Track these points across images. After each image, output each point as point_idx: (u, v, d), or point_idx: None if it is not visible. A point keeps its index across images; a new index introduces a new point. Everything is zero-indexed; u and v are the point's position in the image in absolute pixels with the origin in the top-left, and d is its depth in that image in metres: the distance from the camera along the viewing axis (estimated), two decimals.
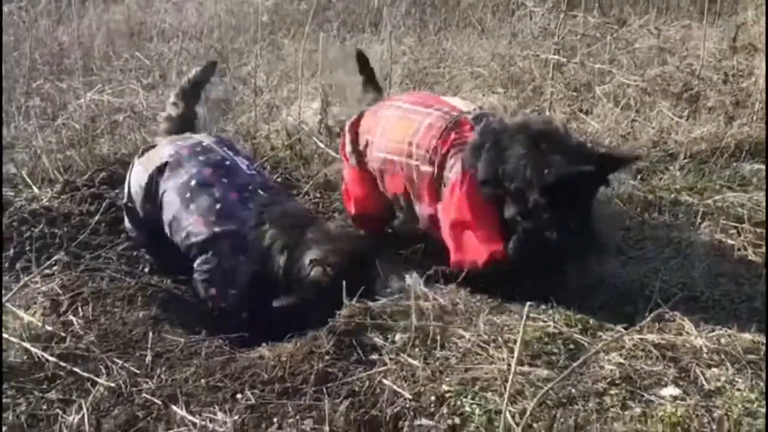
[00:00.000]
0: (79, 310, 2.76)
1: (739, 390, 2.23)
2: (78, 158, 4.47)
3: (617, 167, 2.77)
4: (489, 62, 5.57)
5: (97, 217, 3.58)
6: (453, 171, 2.93)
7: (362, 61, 3.83)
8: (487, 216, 2.83)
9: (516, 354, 1.58)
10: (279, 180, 4.16)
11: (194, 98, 3.68)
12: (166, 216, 3.06)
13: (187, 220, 2.97)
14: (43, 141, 4.69)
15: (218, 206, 2.95)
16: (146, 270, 3.32)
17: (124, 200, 3.35)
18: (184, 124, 3.52)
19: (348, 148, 3.45)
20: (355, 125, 3.45)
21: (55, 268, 3.11)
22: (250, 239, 2.87)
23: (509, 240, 2.78)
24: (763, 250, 3.18)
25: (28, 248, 3.35)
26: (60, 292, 2.88)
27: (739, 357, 2.37)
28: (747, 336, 2.50)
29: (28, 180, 4.29)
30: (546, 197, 2.64)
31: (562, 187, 2.60)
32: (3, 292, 2.88)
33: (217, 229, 2.91)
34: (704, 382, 2.27)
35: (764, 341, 2.47)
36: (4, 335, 2.53)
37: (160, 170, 3.11)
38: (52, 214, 3.67)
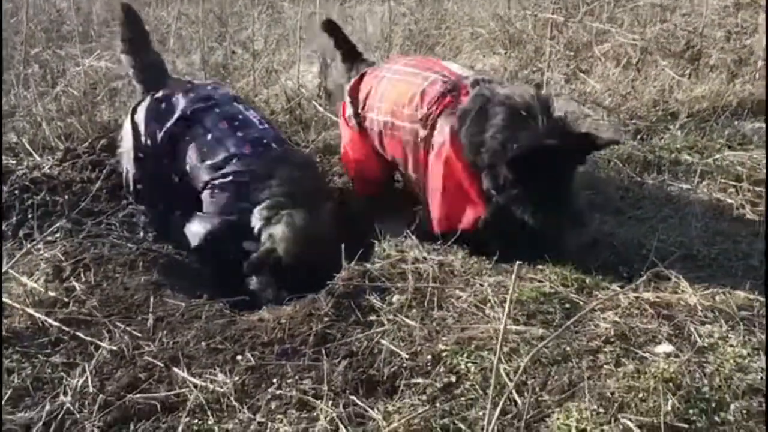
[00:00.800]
0: (82, 275, 2.79)
1: (732, 346, 2.26)
2: (78, 126, 4.47)
3: (595, 148, 2.75)
4: (489, 23, 5.51)
5: (98, 184, 3.61)
6: (440, 134, 2.95)
7: (334, 32, 3.78)
8: (468, 182, 2.85)
9: (506, 312, 1.59)
10: None
11: (143, 43, 3.61)
12: (188, 167, 3.15)
13: (203, 172, 3.08)
14: (44, 109, 4.68)
15: (234, 160, 3.03)
16: (143, 232, 3.34)
17: (134, 153, 3.35)
18: (154, 70, 3.53)
19: (348, 110, 3.46)
20: (355, 88, 3.45)
21: (57, 235, 3.13)
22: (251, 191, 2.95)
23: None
24: (762, 208, 3.18)
25: (30, 216, 3.37)
26: (62, 258, 2.91)
27: (733, 314, 2.40)
28: (741, 293, 2.52)
29: (29, 148, 4.31)
30: (513, 171, 2.64)
31: (528, 161, 2.59)
32: (6, 259, 2.92)
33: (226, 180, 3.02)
34: (698, 339, 2.30)
35: (759, 298, 2.49)
36: (8, 301, 2.57)
37: (177, 123, 3.19)
38: (53, 181, 3.68)
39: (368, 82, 3.38)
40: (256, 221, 2.89)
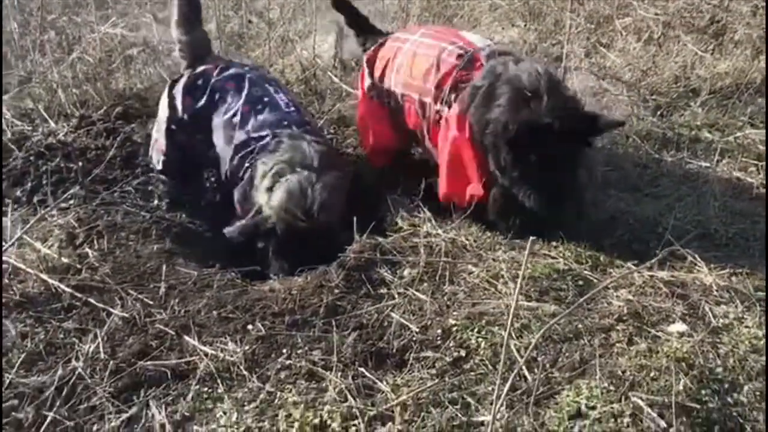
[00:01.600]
0: (95, 242, 2.80)
1: (747, 327, 2.23)
2: (94, 93, 4.47)
3: (600, 130, 2.69)
4: None
5: (112, 152, 3.61)
6: (451, 109, 2.91)
7: (345, 8, 3.69)
8: (471, 160, 2.82)
9: (518, 287, 1.57)
10: None
11: (197, 19, 3.60)
12: (216, 146, 3.16)
13: (228, 152, 3.09)
14: (59, 75, 4.68)
15: (252, 142, 3.03)
16: (158, 200, 3.35)
17: (166, 125, 3.35)
18: (201, 49, 3.51)
19: (366, 81, 3.42)
20: (373, 58, 3.41)
21: (71, 201, 3.14)
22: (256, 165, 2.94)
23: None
24: None
25: (44, 182, 3.39)
26: (76, 225, 2.92)
27: (749, 295, 2.37)
28: (759, 274, 2.48)
29: (44, 114, 4.31)
30: (512, 150, 2.59)
31: (526, 140, 2.53)
32: (20, 225, 2.94)
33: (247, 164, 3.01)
34: (712, 319, 2.27)
35: None
36: (22, 266, 2.59)
37: (208, 100, 3.20)
38: (68, 148, 3.68)
39: (386, 53, 3.34)
40: (260, 195, 2.85)
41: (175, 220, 3.10)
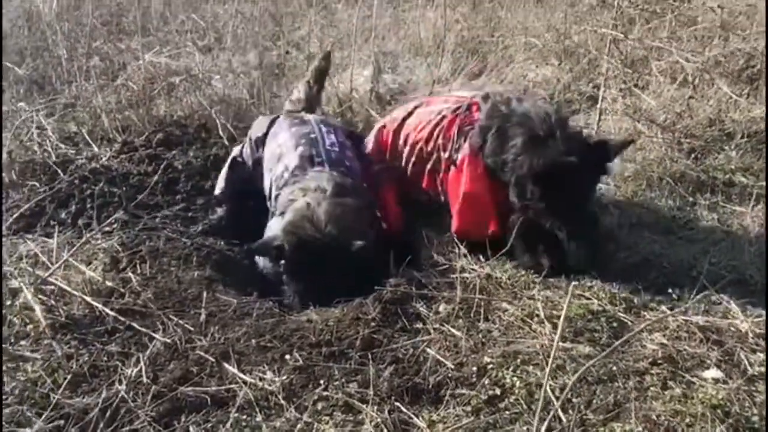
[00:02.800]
0: (138, 267, 2.88)
1: None
2: (136, 119, 4.60)
3: (614, 155, 2.86)
4: (543, 33, 5.49)
5: (155, 178, 3.71)
6: (461, 151, 3.09)
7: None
8: (488, 193, 2.99)
9: (559, 331, 1.61)
10: None
11: (320, 84, 3.89)
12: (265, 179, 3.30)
13: (267, 187, 3.25)
14: (103, 101, 4.82)
15: (286, 175, 3.14)
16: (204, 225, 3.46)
17: (234, 155, 3.57)
18: (312, 105, 3.78)
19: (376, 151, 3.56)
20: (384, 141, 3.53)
21: (114, 226, 3.23)
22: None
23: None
24: None
25: (89, 205, 3.49)
26: (119, 249, 3.00)
27: None
28: None
29: (88, 138, 4.44)
30: (539, 187, 2.78)
31: (552, 177, 2.73)
32: (66, 248, 3.03)
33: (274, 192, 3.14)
34: (748, 367, 2.27)
35: None
36: (68, 288, 2.67)
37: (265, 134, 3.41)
38: (111, 173, 3.80)
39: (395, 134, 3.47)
40: (275, 222, 2.94)
41: (215, 247, 3.17)
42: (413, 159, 3.32)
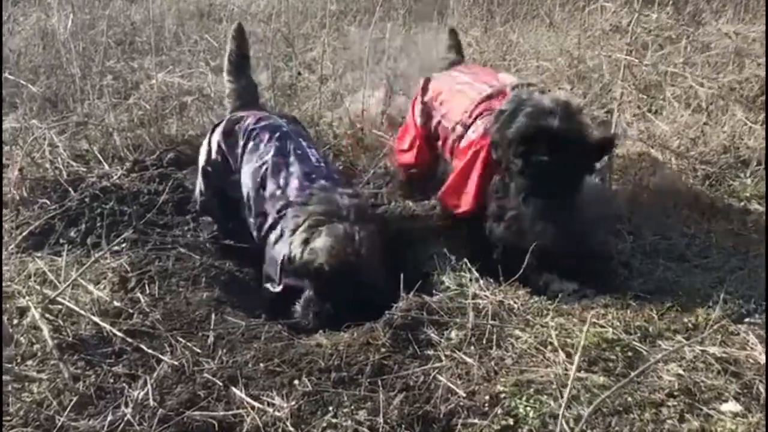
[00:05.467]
0: (146, 287, 2.86)
1: None
2: (147, 137, 4.61)
3: (602, 153, 2.95)
4: (556, 57, 5.49)
5: (164, 197, 3.71)
6: (475, 132, 3.22)
7: (454, 34, 4.20)
8: (480, 173, 3.10)
9: (576, 362, 1.57)
10: (341, 168, 4.21)
11: (245, 68, 3.75)
12: (244, 193, 3.25)
13: (258, 203, 3.16)
14: (115, 119, 4.84)
15: (278, 192, 3.09)
16: (206, 236, 3.47)
17: (203, 164, 3.50)
18: (247, 96, 3.69)
19: (417, 108, 3.75)
20: (424, 89, 3.75)
21: (123, 245, 3.21)
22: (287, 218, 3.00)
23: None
24: None
25: (98, 224, 3.48)
26: (128, 269, 2.98)
27: None
28: None
29: (99, 156, 4.45)
30: (524, 150, 2.83)
31: (536, 140, 2.79)
32: (75, 267, 3.02)
33: (276, 215, 3.04)
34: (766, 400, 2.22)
35: None
36: (75, 308, 2.65)
37: (243, 147, 3.31)
38: (122, 191, 3.80)
39: (435, 86, 3.70)
40: (295, 247, 2.86)
41: (224, 268, 3.15)
42: (441, 120, 3.52)
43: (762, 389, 2.27)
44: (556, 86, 5.20)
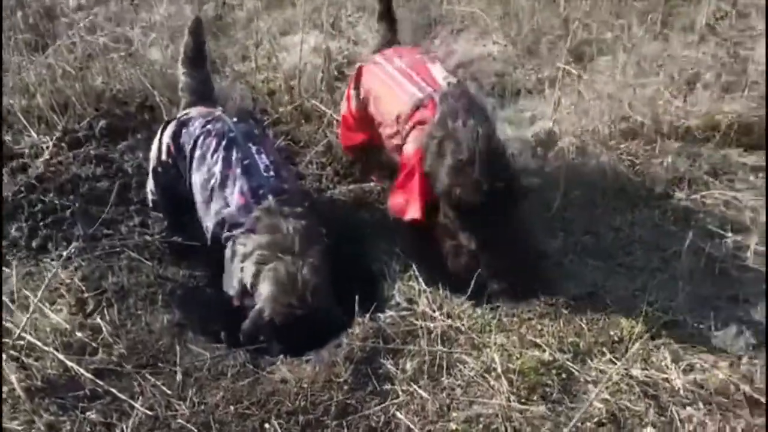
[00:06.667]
0: (105, 312, 2.91)
1: None
2: (73, 97, 4.43)
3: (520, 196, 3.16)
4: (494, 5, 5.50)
5: (104, 183, 3.69)
6: (411, 147, 3.33)
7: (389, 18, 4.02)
8: (422, 184, 3.23)
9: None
10: (282, 143, 4.22)
11: (202, 62, 3.66)
12: (195, 196, 3.27)
13: (208, 217, 3.19)
14: (35, 75, 4.59)
15: (225, 211, 3.11)
16: (156, 231, 3.53)
17: (153, 164, 3.47)
18: (202, 91, 3.63)
19: (353, 99, 3.79)
20: (357, 78, 3.76)
21: (72, 251, 3.20)
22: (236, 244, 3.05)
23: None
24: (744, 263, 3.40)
25: (40, 222, 3.45)
26: (82, 287, 3.02)
27: (709, 399, 2.66)
28: (719, 374, 2.77)
29: (24, 121, 4.28)
30: (455, 211, 3.06)
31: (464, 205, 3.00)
32: (25, 278, 3.02)
33: (226, 233, 3.10)
34: (678, 424, 2.57)
35: (733, 379, 2.75)
36: (38, 343, 2.70)
37: (190, 155, 3.28)
38: (59, 179, 3.71)
39: (367, 78, 3.69)
40: (247, 277, 2.95)
41: (178, 279, 3.22)
42: (379, 118, 3.63)
43: (675, 411, 2.62)
44: (490, 39, 5.24)
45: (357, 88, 3.74)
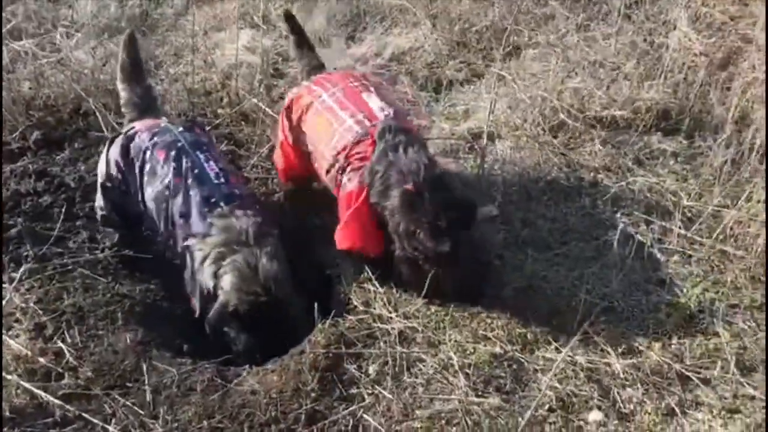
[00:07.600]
0: (66, 335, 2.93)
1: (647, 413, 2.79)
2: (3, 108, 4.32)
3: (474, 220, 3.21)
4: None
5: (47, 198, 3.67)
6: (351, 182, 3.32)
7: (291, 21, 4.00)
8: (373, 220, 3.26)
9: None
10: (224, 148, 4.24)
11: (140, 73, 3.66)
12: (152, 215, 3.28)
13: (162, 228, 3.23)
14: None
15: (181, 221, 3.15)
16: (108, 245, 3.54)
17: (102, 180, 3.46)
18: (145, 104, 3.62)
19: (287, 128, 3.70)
20: (289, 110, 3.69)
21: (22, 270, 3.18)
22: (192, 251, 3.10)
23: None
24: (669, 246, 3.67)
25: None
26: (39, 310, 3.01)
27: (646, 379, 2.92)
28: (653, 355, 3.02)
29: None
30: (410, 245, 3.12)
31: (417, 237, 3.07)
32: None
33: (183, 243, 3.14)
34: (620, 404, 2.82)
35: (666, 359, 3.02)
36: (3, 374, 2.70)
37: (140, 171, 3.29)
38: None
39: (299, 108, 3.62)
40: (207, 280, 3.01)
41: (134, 295, 3.24)
42: (311, 148, 3.58)
43: (616, 393, 2.87)
44: (417, 29, 5.36)
45: (289, 117, 3.67)
